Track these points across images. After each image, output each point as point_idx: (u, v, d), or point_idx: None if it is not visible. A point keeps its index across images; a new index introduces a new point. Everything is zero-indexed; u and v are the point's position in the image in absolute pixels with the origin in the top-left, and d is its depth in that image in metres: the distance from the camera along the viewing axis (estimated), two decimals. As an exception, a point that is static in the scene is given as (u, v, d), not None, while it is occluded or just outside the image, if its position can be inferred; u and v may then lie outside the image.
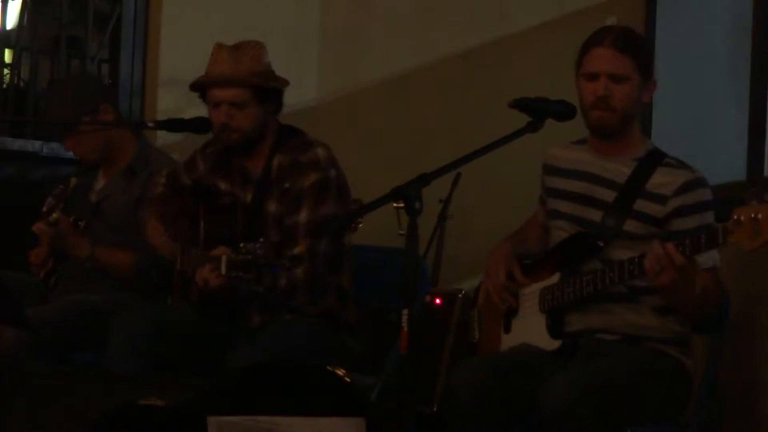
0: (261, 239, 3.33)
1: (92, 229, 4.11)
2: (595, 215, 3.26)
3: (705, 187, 3.19)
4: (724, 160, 4.56)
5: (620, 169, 3.25)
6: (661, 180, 3.19)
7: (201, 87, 3.67)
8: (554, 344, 3.25)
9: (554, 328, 3.26)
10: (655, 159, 3.24)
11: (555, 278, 3.28)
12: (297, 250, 3.55)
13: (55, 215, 4.15)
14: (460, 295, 4.68)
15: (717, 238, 2.82)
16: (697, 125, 4.89)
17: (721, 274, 3.20)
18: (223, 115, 3.62)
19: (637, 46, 3.25)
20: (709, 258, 3.06)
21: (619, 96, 3.18)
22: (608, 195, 3.25)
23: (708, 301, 3.10)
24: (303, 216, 3.57)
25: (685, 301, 3.07)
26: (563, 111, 2.95)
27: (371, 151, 5.96)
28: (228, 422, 2.70)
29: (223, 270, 3.27)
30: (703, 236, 2.86)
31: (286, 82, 3.74)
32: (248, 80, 3.61)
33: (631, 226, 3.19)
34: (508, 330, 3.43)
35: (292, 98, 3.73)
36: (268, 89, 3.65)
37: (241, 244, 3.27)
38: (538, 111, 2.91)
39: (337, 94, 6.21)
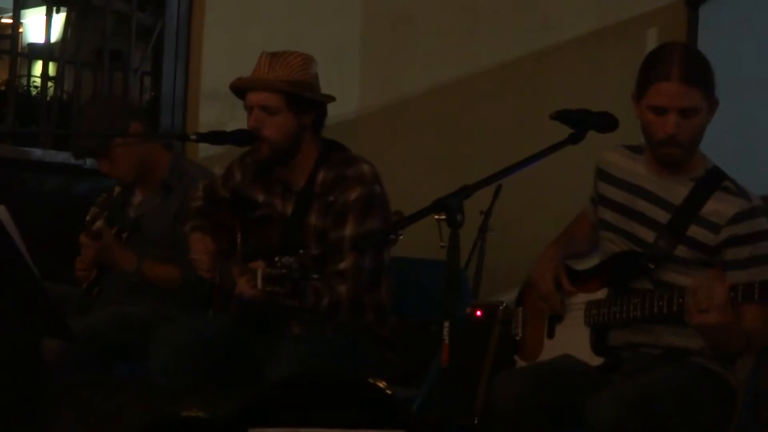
0: (300, 251, 3.32)
1: (133, 243, 4.13)
2: (647, 234, 3.22)
3: (760, 217, 3.12)
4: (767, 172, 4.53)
5: (677, 189, 3.20)
6: (716, 207, 3.12)
7: (240, 93, 3.68)
8: (597, 360, 3.23)
9: (598, 344, 3.24)
10: (713, 181, 3.18)
11: (602, 293, 3.26)
12: (342, 266, 3.53)
13: (98, 224, 4.17)
14: (501, 308, 4.68)
15: None
16: (741, 136, 4.87)
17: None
18: (253, 120, 3.61)
19: (703, 72, 3.13)
20: None
21: (687, 131, 3.10)
22: (662, 215, 3.21)
23: (756, 343, 3.05)
24: (348, 230, 3.54)
25: (725, 345, 3.04)
26: (605, 123, 2.92)
27: (412, 163, 5.98)
28: (269, 434, 2.71)
29: (259, 284, 3.25)
30: (757, 288, 2.83)
31: (330, 98, 3.70)
32: (276, 85, 3.56)
33: (682, 251, 3.15)
34: (551, 335, 3.41)
35: (333, 111, 3.72)
36: (300, 98, 3.61)
37: (276, 258, 3.25)
38: (580, 123, 2.88)
39: (379, 106, 6.23)
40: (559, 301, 3.35)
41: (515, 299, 3.61)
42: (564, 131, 2.89)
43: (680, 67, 3.08)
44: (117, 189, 4.31)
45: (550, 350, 3.39)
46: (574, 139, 2.87)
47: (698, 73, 3.11)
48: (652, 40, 5.68)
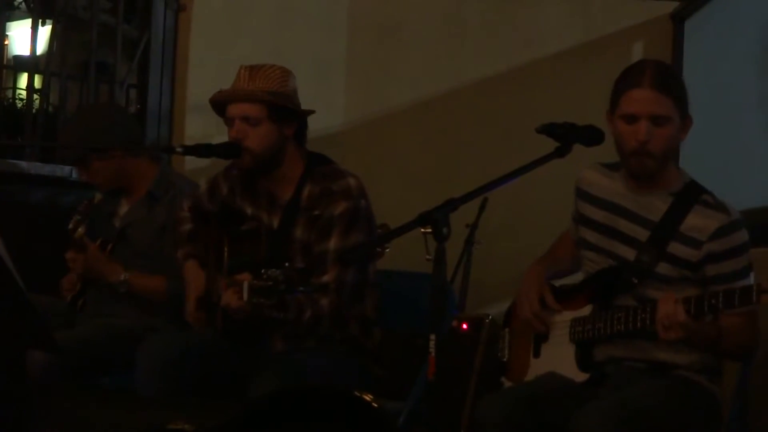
0: (285, 264, 3.32)
1: (118, 254, 4.12)
2: (628, 252, 3.21)
3: (740, 230, 3.11)
4: (750, 186, 4.55)
5: (656, 205, 3.19)
6: (695, 222, 3.12)
7: (220, 107, 3.68)
8: (582, 376, 3.23)
9: (583, 360, 3.25)
10: (691, 195, 3.17)
11: (587, 310, 3.26)
12: (325, 279, 3.55)
13: (80, 230, 4.16)
14: (487, 321, 4.67)
15: (750, 297, 2.83)
16: (724, 150, 4.89)
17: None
18: (234, 131, 3.62)
19: (675, 84, 3.13)
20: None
21: (659, 140, 3.09)
22: (641, 233, 3.19)
23: (724, 347, 3.08)
24: (333, 243, 3.56)
25: (697, 347, 3.10)
26: (591, 136, 2.92)
27: (398, 176, 5.98)
28: (255, 447, 2.70)
29: (245, 296, 3.26)
30: (721, 298, 2.88)
31: (309, 111, 3.71)
32: (258, 96, 3.58)
33: (663, 268, 3.14)
34: (537, 355, 3.41)
35: (319, 123, 3.73)
36: (281, 109, 3.61)
37: (263, 270, 3.25)
38: (566, 136, 2.89)
39: (364, 119, 6.24)
40: (543, 320, 3.35)
41: (502, 320, 3.61)
42: (550, 145, 2.90)
43: (652, 75, 3.09)
44: (98, 196, 4.30)
45: (537, 369, 3.39)
46: (559, 153, 2.87)
47: (669, 83, 3.11)
48: (637, 54, 5.70)
